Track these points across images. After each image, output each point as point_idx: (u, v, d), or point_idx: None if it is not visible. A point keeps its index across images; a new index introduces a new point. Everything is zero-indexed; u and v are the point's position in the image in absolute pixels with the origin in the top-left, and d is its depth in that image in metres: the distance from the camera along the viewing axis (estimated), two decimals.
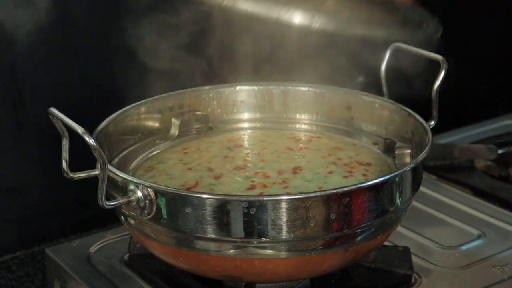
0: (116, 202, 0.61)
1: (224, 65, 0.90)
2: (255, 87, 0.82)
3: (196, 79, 0.86)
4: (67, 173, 0.64)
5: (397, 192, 0.64)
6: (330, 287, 0.70)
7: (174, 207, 0.61)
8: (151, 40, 0.86)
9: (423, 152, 0.66)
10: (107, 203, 0.61)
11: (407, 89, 1.06)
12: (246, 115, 0.83)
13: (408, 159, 0.72)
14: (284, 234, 0.60)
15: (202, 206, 0.60)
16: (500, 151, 0.93)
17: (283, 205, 0.60)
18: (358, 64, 0.99)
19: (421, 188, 0.70)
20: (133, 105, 0.76)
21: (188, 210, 0.60)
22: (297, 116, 0.83)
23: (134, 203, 0.62)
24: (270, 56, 0.87)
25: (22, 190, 0.83)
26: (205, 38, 0.88)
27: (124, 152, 0.75)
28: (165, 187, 0.63)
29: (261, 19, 0.85)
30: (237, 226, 0.60)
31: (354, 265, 0.70)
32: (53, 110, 0.63)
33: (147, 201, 0.61)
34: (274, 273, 0.63)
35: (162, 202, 0.61)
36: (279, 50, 0.87)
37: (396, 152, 0.72)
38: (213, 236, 0.61)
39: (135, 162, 0.74)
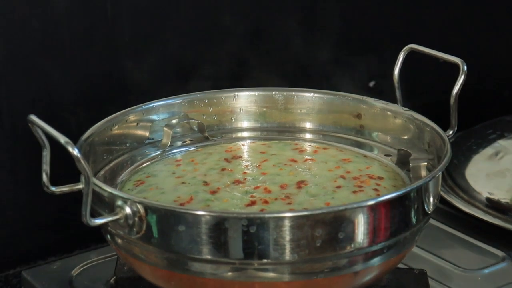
0: (102, 220, 0.62)
1: None
2: (256, 93, 0.83)
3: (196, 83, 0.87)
4: (47, 187, 0.65)
5: (413, 209, 0.65)
6: None
7: (166, 225, 0.61)
8: (142, 40, 0.87)
9: (441, 165, 0.67)
10: (92, 220, 0.61)
11: (423, 95, 1.07)
12: (245, 124, 0.83)
13: (424, 172, 0.72)
14: (288, 255, 0.60)
15: (197, 224, 0.60)
16: None
17: (287, 223, 0.60)
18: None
19: (439, 205, 0.70)
20: (121, 112, 0.77)
21: (181, 228, 0.61)
22: (302, 124, 0.83)
23: (121, 221, 0.62)
24: None
25: None
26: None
27: (111, 164, 0.75)
28: (156, 203, 0.63)
29: None
30: (236, 246, 0.60)
31: None
32: (33, 117, 0.63)
33: (136, 218, 0.62)
34: None
35: (153, 219, 0.61)
36: None
37: (411, 164, 0.73)
38: (209, 257, 0.61)
39: (123, 175, 0.74)
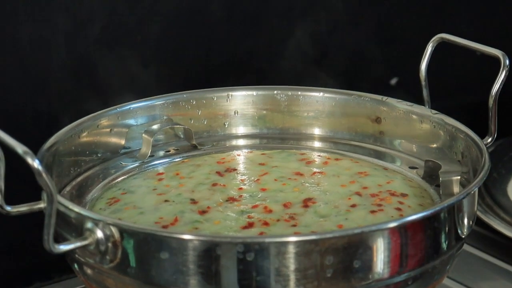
0: (68, 246, 0.62)
1: None
2: (254, 92, 0.83)
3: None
4: (2, 207, 0.65)
5: (443, 233, 0.65)
6: None
7: (146, 251, 0.61)
8: (117, 29, 0.87)
9: (478, 179, 0.67)
10: (56, 246, 0.61)
11: (455, 95, 1.07)
12: (241, 129, 0.83)
13: (457, 188, 0.72)
14: None
15: (183, 251, 0.60)
16: None
17: (291, 249, 0.60)
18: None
19: (475, 227, 0.70)
20: (91, 115, 0.77)
21: (164, 255, 0.61)
22: (309, 130, 0.83)
23: (92, 247, 0.62)
24: None
25: None
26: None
27: (79, 179, 0.75)
28: (133, 225, 0.63)
29: None
30: (230, 277, 0.60)
31: None
32: None
33: (109, 244, 0.62)
34: None
35: (130, 245, 0.61)
36: None
37: (441, 178, 0.73)
38: None
39: (93, 192, 0.74)
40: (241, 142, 0.83)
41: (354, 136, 0.82)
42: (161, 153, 0.81)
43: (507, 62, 0.73)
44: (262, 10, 0.95)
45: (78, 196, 0.74)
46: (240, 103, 0.83)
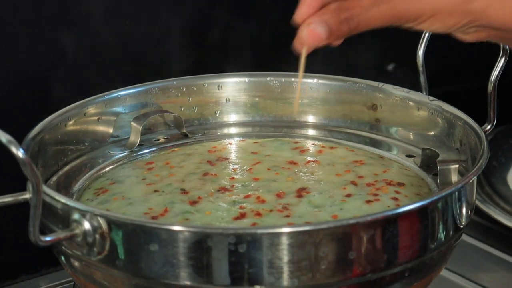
0: (55, 237, 0.62)
1: None
2: (246, 79, 0.83)
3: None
4: None
5: (441, 223, 0.65)
6: None
7: (135, 243, 0.61)
8: (101, 12, 0.87)
9: (476, 168, 0.67)
10: (42, 238, 0.61)
11: (454, 81, 1.07)
12: (233, 117, 0.83)
13: (455, 177, 0.72)
14: (286, 280, 0.61)
15: (174, 242, 0.60)
16: None
17: (284, 241, 0.60)
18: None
19: (473, 217, 0.70)
20: (77, 103, 0.77)
21: (153, 247, 0.61)
22: (303, 118, 0.83)
23: (79, 238, 0.62)
24: None
25: None
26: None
27: (66, 168, 0.75)
28: (122, 217, 0.64)
29: None
30: (221, 269, 0.60)
31: None
32: None
33: (97, 236, 0.62)
34: None
35: (118, 236, 0.61)
36: None
37: (438, 167, 0.73)
38: (188, 283, 0.61)
39: (80, 182, 0.74)
40: (233, 130, 0.83)
41: (350, 124, 0.82)
42: (151, 141, 0.81)
43: (507, 46, 0.73)
44: None
45: (65, 187, 0.74)
46: (231, 90, 0.83)
